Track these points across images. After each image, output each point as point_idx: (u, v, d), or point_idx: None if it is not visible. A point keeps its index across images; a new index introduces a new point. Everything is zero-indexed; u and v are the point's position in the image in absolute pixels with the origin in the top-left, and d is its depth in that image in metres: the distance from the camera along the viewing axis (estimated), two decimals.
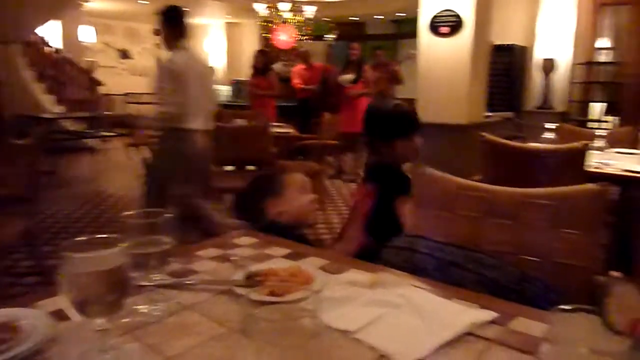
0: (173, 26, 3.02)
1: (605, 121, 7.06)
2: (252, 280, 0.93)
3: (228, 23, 11.67)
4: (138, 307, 0.87)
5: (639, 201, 1.38)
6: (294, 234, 1.44)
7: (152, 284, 0.90)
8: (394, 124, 1.88)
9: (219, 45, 11.64)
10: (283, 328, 0.53)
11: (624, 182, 2.48)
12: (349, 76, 5.81)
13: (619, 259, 1.54)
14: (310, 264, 1.08)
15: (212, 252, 1.18)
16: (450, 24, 4.41)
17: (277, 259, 1.13)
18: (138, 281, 0.84)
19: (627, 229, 2.19)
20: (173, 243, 0.86)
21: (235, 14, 10.99)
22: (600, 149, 2.80)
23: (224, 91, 9.80)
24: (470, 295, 0.98)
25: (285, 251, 1.18)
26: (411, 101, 4.91)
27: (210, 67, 3.66)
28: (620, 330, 0.42)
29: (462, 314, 0.85)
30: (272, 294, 0.85)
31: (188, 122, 2.96)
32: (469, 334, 0.80)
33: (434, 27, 4.50)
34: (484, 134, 2.72)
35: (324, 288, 0.93)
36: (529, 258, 1.35)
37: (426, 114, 4.65)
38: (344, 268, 1.07)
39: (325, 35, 10.99)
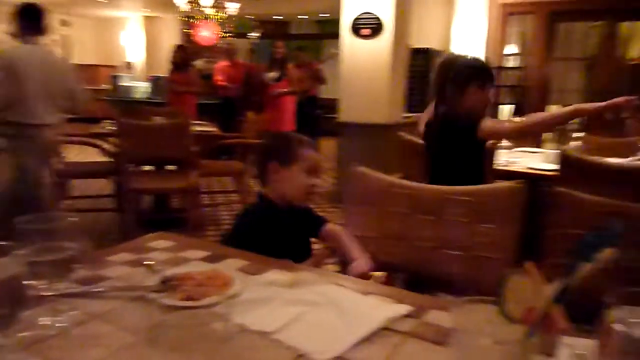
0: (26, 21, 2.95)
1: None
2: (167, 285, 0.90)
3: (147, 17, 11.20)
4: (39, 319, 0.80)
5: (543, 196, 1.49)
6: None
7: (55, 293, 0.84)
8: (469, 71, 1.86)
9: (136, 40, 11.14)
10: (193, 334, 0.51)
11: (528, 178, 2.68)
12: (273, 74, 5.78)
13: (527, 251, 1.67)
14: (229, 266, 1.06)
15: (125, 256, 1.12)
16: (371, 26, 4.52)
17: (195, 262, 1.09)
18: (39, 291, 0.78)
19: (532, 223, 2.36)
20: (79, 248, 0.80)
21: (154, 7, 10.56)
22: (507, 148, 3.00)
23: (142, 88, 9.39)
24: (387, 291, 1.01)
25: (203, 254, 1.14)
26: (334, 101, 5.00)
27: (67, 63, 3.54)
28: (516, 319, 0.45)
29: (379, 309, 0.87)
30: (187, 298, 0.82)
31: (19, 115, 2.87)
32: (386, 328, 0.82)
33: (356, 29, 4.59)
34: (402, 133, 2.82)
35: (243, 290, 0.92)
36: (451, 252, 1.42)
37: (348, 114, 4.75)
38: (263, 269, 1.06)
39: (248, 33, 10.87)
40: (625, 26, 7.22)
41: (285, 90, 5.73)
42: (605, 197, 1.40)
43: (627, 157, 2.70)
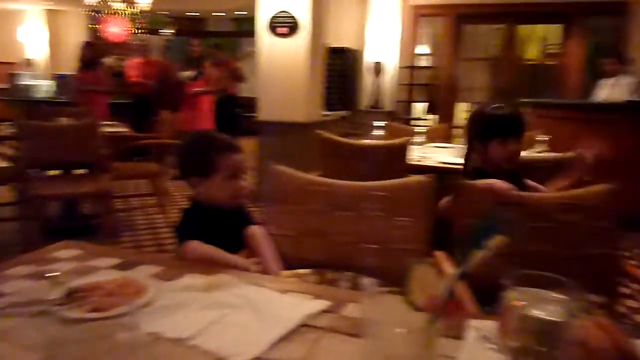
0: None
1: (426, 119, 7.96)
2: (72, 298, 0.84)
3: (49, 10, 10.42)
4: None
5: (453, 189, 1.58)
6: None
7: None
8: (490, 125, 1.79)
9: (37, 35, 10.34)
10: (99, 348, 0.48)
11: (440, 172, 2.83)
12: (189, 73, 5.62)
13: (440, 240, 1.76)
14: (142, 273, 1.01)
15: (26, 269, 1.04)
16: (287, 25, 4.53)
17: (104, 271, 1.04)
18: None
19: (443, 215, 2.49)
20: None
21: (57, 0, 9.86)
22: (420, 143, 3.13)
23: (45, 86, 8.73)
24: (306, 287, 1.01)
25: (114, 261, 1.09)
26: (253, 99, 4.96)
27: None
28: (421, 307, 0.47)
29: (297, 307, 0.87)
30: (94, 310, 0.77)
31: None
32: (305, 325, 0.83)
33: (272, 27, 4.58)
34: (320, 131, 2.85)
35: (157, 297, 0.88)
36: (369, 246, 1.47)
37: (267, 112, 4.73)
38: (179, 274, 1.02)
39: (161, 30, 10.47)
40: (523, 29, 7.82)
41: (203, 89, 5.59)
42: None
43: (526, 150, 2.93)
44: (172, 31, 10.55)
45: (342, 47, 7.36)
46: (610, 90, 5.01)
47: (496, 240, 0.47)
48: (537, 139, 2.94)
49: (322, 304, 0.89)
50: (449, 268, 1.26)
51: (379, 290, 0.52)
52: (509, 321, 0.57)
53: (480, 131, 1.81)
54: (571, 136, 4.19)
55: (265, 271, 1.29)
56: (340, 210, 1.48)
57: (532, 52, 8.97)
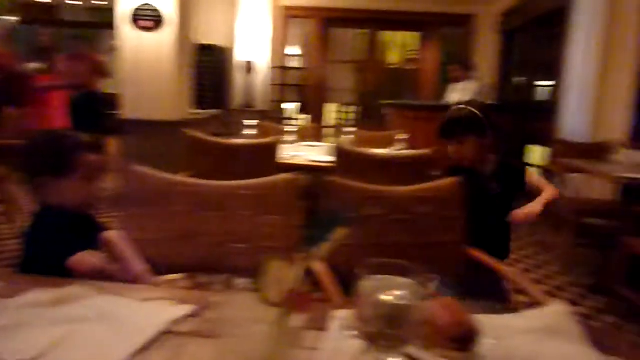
0: None
1: (298, 119, 8.13)
2: None
3: None
4: None
5: (322, 186, 1.63)
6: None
7: None
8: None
9: None
10: None
11: (310, 170, 2.91)
12: (37, 65, 5.06)
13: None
14: None
15: None
16: (152, 18, 4.31)
17: None
18: None
19: (314, 211, 2.57)
20: None
21: None
22: (291, 142, 3.19)
23: None
24: (170, 293, 0.97)
25: None
26: (114, 96, 4.63)
27: None
28: (276, 303, 0.48)
29: (158, 314, 0.83)
30: None
31: None
32: (168, 332, 0.79)
33: (135, 20, 4.32)
34: (186, 130, 2.76)
35: None
36: (238, 245, 1.45)
37: (132, 110, 4.46)
38: (22, 290, 0.91)
39: (2, 17, 9.28)
40: (386, 35, 8.36)
41: (54, 83, 5.06)
42: (372, 182, 1.61)
43: (388, 147, 3.14)
44: (17, 18, 9.41)
45: (213, 45, 7.19)
46: (461, 94, 5.59)
47: (339, 233, 0.49)
48: (397, 137, 3.16)
49: (186, 309, 0.86)
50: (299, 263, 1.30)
51: (236, 289, 0.52)
52: (363, 308, 0.60)
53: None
54: (428, 135, 4.61)
55: (128, 274, 1.22)
56: (208, 211, 1.45)
57: (394, 57, 9.65)
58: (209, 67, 7.15)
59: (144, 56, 4.38)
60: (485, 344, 0.78)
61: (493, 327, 0.82)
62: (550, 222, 3.48)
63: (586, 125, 4.15)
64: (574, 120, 4.34)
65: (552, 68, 5.32)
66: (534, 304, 1.11)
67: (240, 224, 1.46)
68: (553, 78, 5.44)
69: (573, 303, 2.79)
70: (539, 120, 5.62)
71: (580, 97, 4.50)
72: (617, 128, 3.99)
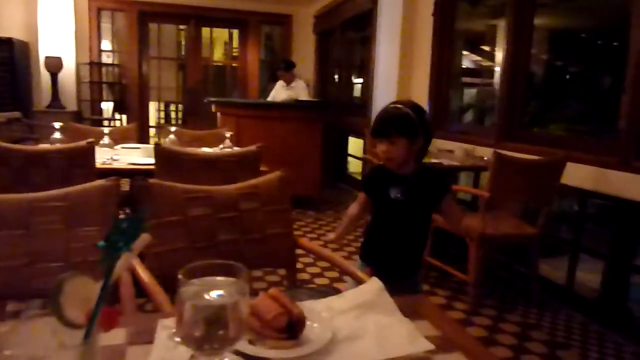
0: None
1: (116, 119, 7.53)
2: None
3: None
4: None
5: (143, 190, 1.52)
6: None
7: None
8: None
9: None
10: None
11: (131, 174, 2.72)
12: None
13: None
14: None
15: None
16: None
17: None
18: None
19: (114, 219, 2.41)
20: None
21: None
22: (109, 145, 2.93)
23: None
24: None
25: None
26: None
27: None
28: (75, 324, 0.43)
29: None
30: None
31: None
32: None
33: None
34: None
35: None
36: (49, 265, 1.28)
37: None
38: None
39: None
40: (208, 31, 8.19)
41: None
42: (198, 183, 1.56)
43: (216, 146, 3.10)
44: None
45: (9, 38, 6.23)
46: (287, 92, 5.79)
47: (142, 239, 0.47)
48: (225, 135, 3.12)
49: None
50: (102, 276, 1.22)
51: (26, 315, 0.45)
52: (184, 314, 0.58)
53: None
54: (253, 132, 4.68)
55: None
56: (6, 230, 1.25)
57: (217, 54, 9.54)
58: (5, 63, 6.19)
59: None
60: (312, 328, 0.82)
61: (317, 311, 0.87)
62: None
63: None
64: None
65: (364, 67, 5.85)
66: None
67: (50, 241, 1.29)
68: (364, 76, 5.98)
69: None
70: (355, 114, 6.13)
71: (385, 93, 5.05)
72: None
